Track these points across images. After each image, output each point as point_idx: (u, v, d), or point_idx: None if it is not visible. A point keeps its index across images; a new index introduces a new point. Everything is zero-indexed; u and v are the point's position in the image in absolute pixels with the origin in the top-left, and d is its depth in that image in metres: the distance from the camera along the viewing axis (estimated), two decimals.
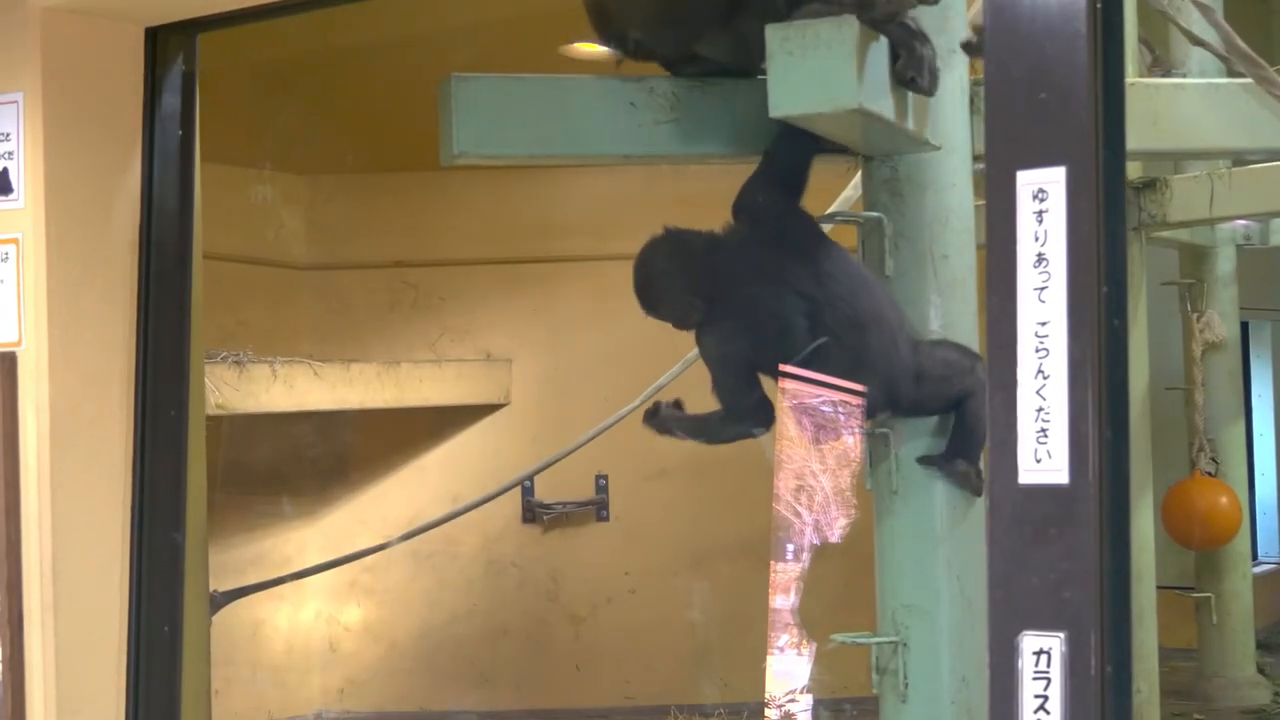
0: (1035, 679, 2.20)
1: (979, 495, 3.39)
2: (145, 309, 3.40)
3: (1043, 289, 2.25)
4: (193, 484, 3.53)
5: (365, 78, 6.84)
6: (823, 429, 3.32)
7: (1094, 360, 2.23)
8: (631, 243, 7.86)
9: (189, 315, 3.49)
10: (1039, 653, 2.21)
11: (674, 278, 3.56)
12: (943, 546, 3.42)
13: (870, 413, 3.39)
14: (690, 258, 3.52)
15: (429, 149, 3.47)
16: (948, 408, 3.45)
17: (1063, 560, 2.22)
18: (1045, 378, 2.23)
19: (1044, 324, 2.24)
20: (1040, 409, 2.24)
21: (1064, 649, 2.19)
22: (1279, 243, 8.58)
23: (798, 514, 3.30)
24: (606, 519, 8.52)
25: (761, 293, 3.39)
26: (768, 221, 3.41)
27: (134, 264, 3.41)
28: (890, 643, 3.43)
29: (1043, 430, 2.23)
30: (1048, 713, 2.19)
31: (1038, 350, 2.24)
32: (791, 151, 3.32)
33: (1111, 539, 2.24)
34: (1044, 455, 2.24)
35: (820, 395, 3.33)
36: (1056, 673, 2.19)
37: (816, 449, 3.31)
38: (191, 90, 3.48)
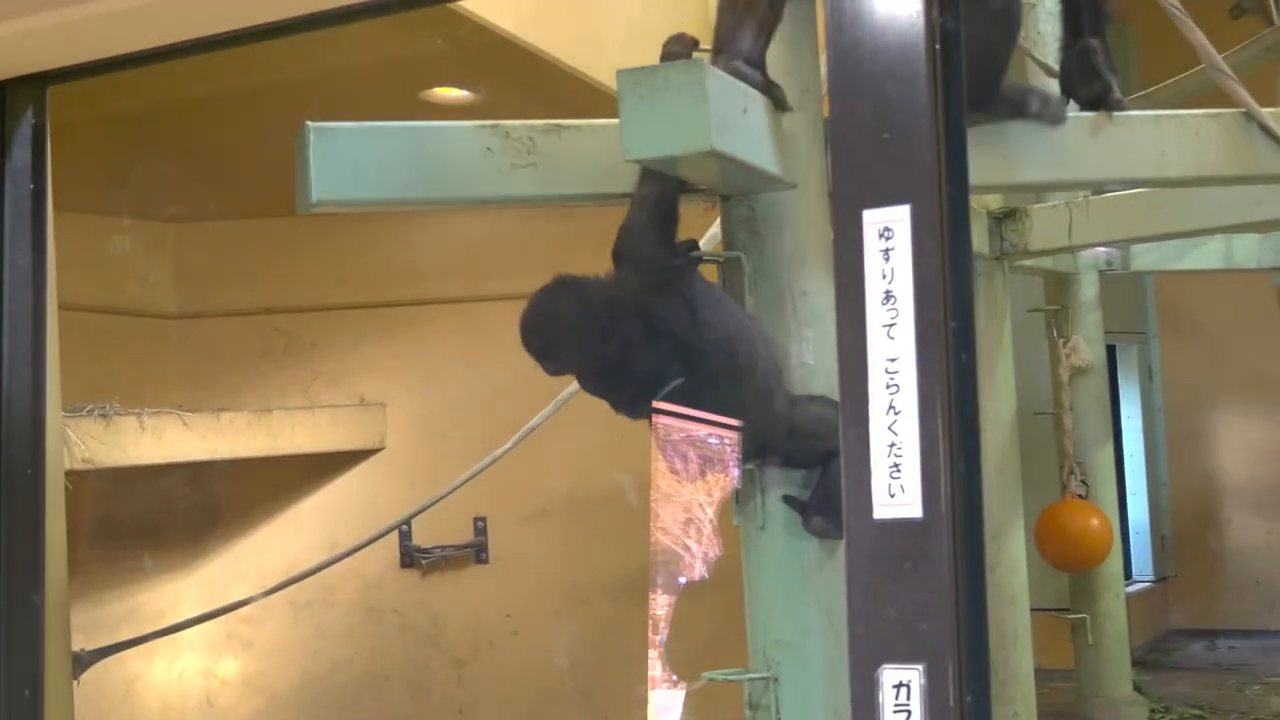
0: (896, 711, 2.22)
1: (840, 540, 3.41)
2: None
3: (891, 325, 2.28)
4: (52, 543, 3.47)
5: (227, 124, 6.78)
6: (709, 461, 3.33)
7: (943, 395, 2.26)
8: (502, 284, 7.89)
9: (44, 371, 3.44)
10: (899, 685, 2.22)
11: (576, 328, 3.52)
12: (812, 581, 3.44)
13: (742, 458, 3.41)
14: (591, 307, 3.49)
15: (293, 195, 3.46)
16: (817, 463, 3.47)
17: (919, 593, 2.24)
18: (896, 413, 2.26)
19: (894, 360, 2.27)
20: (892, 444, 2.26)
21: (923, 681, 2.21)
22: (1140, 267, 8.74)
23: (686, 548, 3.31)
24: (486, 561, 8.49)
25: (642, 341, 3.39)
26: (650, 266, 3.40)
27: None
28: (762, 678, 3.45)
29: (895, 465, 2.25)
30: None
31: (888, 386, 2.27)
32: (659, 192, 3.32)
33: (967, 570, 2.26)
34: (897, 490, 2.26)
35: (701, 430, 3.34)
36: (916, 705, 2.21)
37: (703, 482, 3.32)
38: (43, 143, 3.43)
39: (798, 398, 3.46)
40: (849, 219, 2.31)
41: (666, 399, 3.36)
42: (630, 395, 3.48)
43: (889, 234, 2.28)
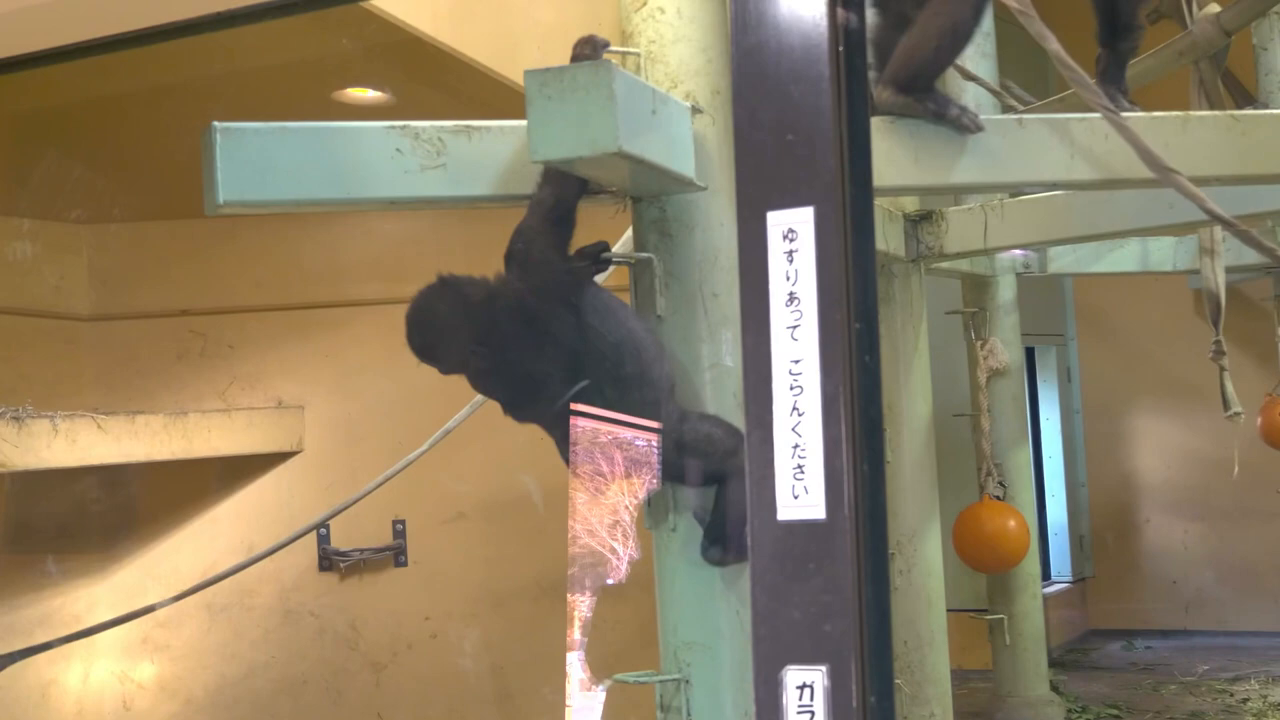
0: (800, 713, 2.22)
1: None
2: None
3: (795, 327, 2.28)
4: None
5: (136, 124, 6.72)
6: (635, 464, 3.33)
7: (847, 396, 2.26)
8: (418, 285, 7.84)
9: None
10: (802, 686, 2.22)
11: (455, 327, 3.53)
12: (722, 583, 3.45)
13: None
14: (470, 307, 3.50)
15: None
16: (703, 483, 3.47)
17: (823, 594, 2.25)
18: (800, 414, 2.26)
19: (797, 361, 2.26)
20: (796, 445, 2.26)
21: (826, 682, 2.21)
22: (1058, 270, 8.82)
23: (609, 549, 3.31)
24: (405, 564, 8.45)
25: (525, 344, 3.39)
26: (537, 269, 3.40)
27: None
28: (673, 680, 3.45)
29: (799, 467, 2.25)
30: None
31: (792, 388, 2.27)
32: (556, 196, 3.32)
33: (870, 571, 2.26)
34: (801, 491, 2.26)
35: (619, 431, 3.34)
36: (820, 705, 2.21)
37: (629, 484, 3.31)
38: None
39: (689, 413, 3.46)
40: (753, 221, 2.31)
41: (559, 406, 3.36)
42: (513, 397, 3.49)
43: (793, 236, 2.28)
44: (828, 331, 2.24)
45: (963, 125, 3.95)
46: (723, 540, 3.43)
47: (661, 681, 3.47)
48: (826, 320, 2.24)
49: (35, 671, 7.65)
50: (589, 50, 3.28)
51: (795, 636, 2.21)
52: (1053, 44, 3.51)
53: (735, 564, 3.42)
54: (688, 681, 3.44)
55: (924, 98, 3.90)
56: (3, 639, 5.47)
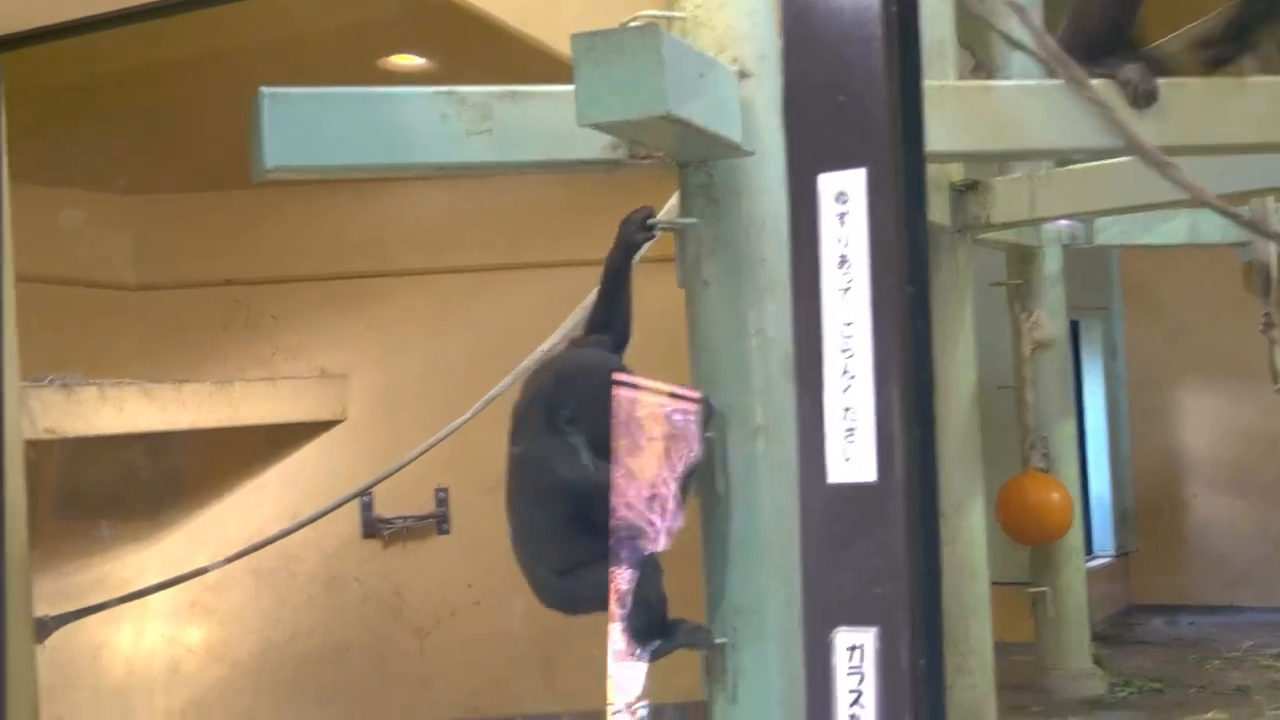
0: (849, 674, 2.22)
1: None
2: None
3: (847, 290, 2.27)
4: (12, 508, 3.46)
5: (184, 94, 6.74)
6: (673, 438, 3.33)
7: (899, 359, 2.25)
8: (462, 256, 7.86)
9: (0, 338, 3.42)
10: (852, 648, 2.22)
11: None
12: (769, 547, 3.44)
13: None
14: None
15: (249, 166, 3.43)
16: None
17: (873, 557, 2.24)
18: (851, 377, 2.25)
19: (849, 324, 2.26)
20: (847, 409, 2.26)
21: (876, 644, 2.21)
22: (1104, 242, 8.77)
23: (649, 522, 3.31)
24: (447, 532, 8.49)
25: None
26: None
27: None
28: (719, 645, 3.45)
29: (850, 430, 2.25)
30: (862, 707, 2.21)
31: (843, 351, 2.26)
32: None
33: (922, 535, 2.26)
34: (852, 454, 2.26)
35: (665, 405, 3.34)
36: (870, 668, 2.21)
37: (668, 458, 3.31)
38: None
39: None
40: (804, 183, 2.30)
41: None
42: None
43: (844, 198, 2.27)
44: (880, 294, 2.23)
45: (1139, 90, 3.86)
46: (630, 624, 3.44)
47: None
48: (879, 283, 2.23)
49: (87, 634, 7.72)
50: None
51: (845, 599, 2.20)
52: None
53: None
54: (734, 646, 3.44)
55: (1106, 60, 3.81)
56: (53, 603, 5.51)
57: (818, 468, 2.24)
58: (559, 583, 3.65)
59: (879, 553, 2.21)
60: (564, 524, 3.54)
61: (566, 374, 3.52)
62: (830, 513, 2.23)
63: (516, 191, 8.12)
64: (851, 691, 2.19)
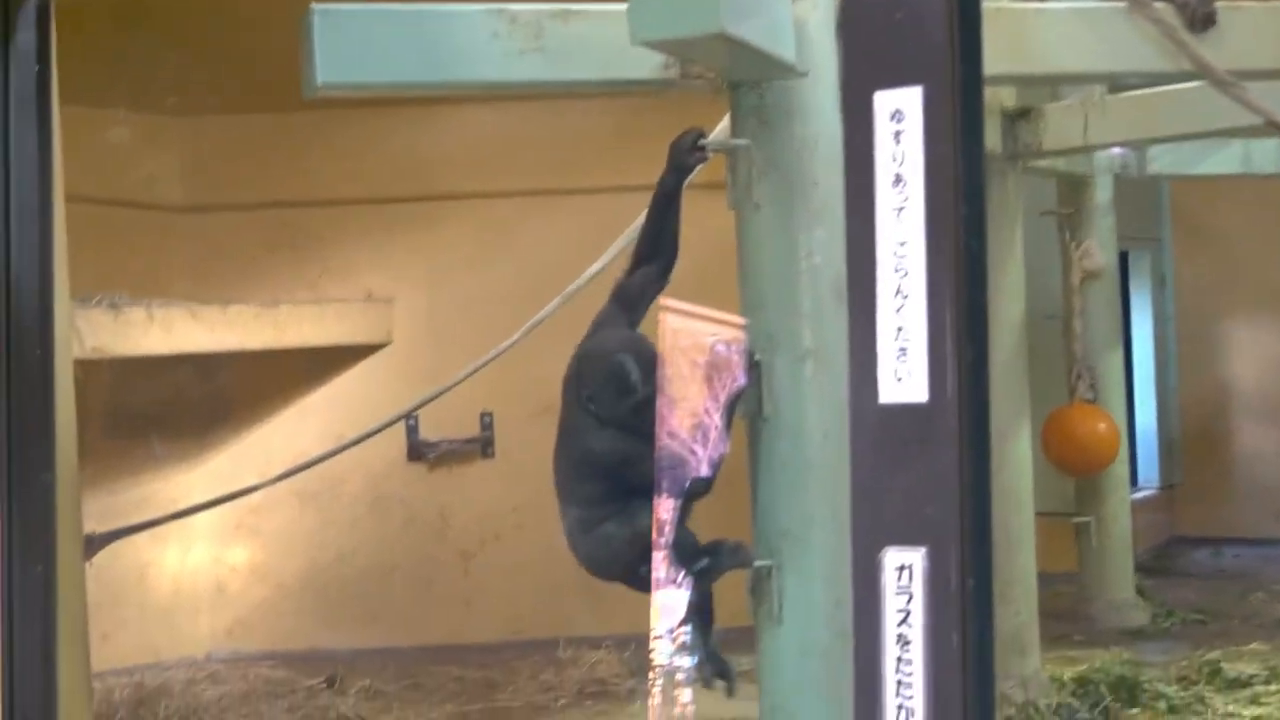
0: (898, 594, 2.22)
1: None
2: (6, 251, 3.33)
3: (901, 209, 2.26)
4: (62, 425, 3.48)
5: (233, 13, 6.73)
6: (716, 367, 3.33)
7: (952, 280, 2.24)
8: (510, 181, 7.82)
9: (51, 255, 3.43)
10: (901, 568, 2.22)
11: None
12: (816, 470, 3.44)
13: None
14: None
15: (299, 88, 3.43)
16: None
17: (924, 477, 2.24)
18: (904, 298, 2.24)
19: (903, 244, 2.25)
20: (900, 329, 2.25)
21: (925, 564, 2.21)
22: (1156, 171, 8.70)
23: (692, 451, 3.31)
24: (492, 456, 8.53)
25: None
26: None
27: None
28: (764, 567, 3.45)
29: (902, 350, 2.24)
30: (910, 625, 2.21)
31: (897, 270, 2.25)
32: None
33: (972, 455, 2.25)
34: (904, 374, 2.25)
35: (709, 333, 3.33)
36: (918, 587, 2.21)
37: (710, 387, 3.31)
38: (47, 25, 3.39)
39: None
40: (859, 102, 2.28)
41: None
42: None
43: (900, 116, 2.25)
44: (934, 214, 2.22)
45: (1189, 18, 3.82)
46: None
47: (753, 567, 3.48)
48: (934, 202, 2.21)
49: (134, 553, 7.79)
50: None
51: (895, 518, 2.20)
52: None
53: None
54: (779, 568, 3.44)
55: None
56: (101, 520, 5.54)
57: (869, 388, 2.23)
58: (585, 544, 3.86)
59: (929, 473, 2.20)
60: (590, 487, 3.82)
61: (584, 356, 3.79)
62: (881, 433, 2.23)
63: (565, 116, 8.08)
64: (900, 611, 2.20)
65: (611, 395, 3.62)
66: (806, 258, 3.49)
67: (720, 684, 3.64)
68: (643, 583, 3.49)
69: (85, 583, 4.29)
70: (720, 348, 3.33)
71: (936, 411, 2.19)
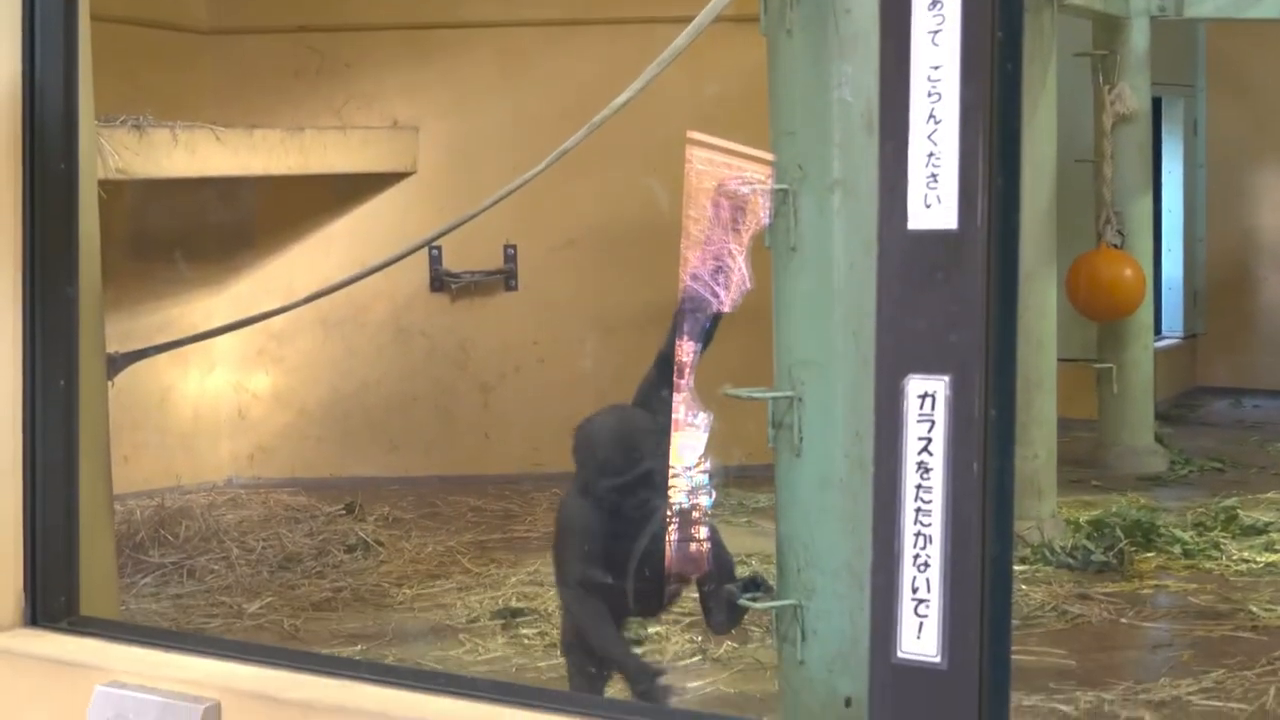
0: (919, 421, 2.21)
1: None
2: (30, 66, 3.30)
3: (937, 31, 2.22)
4: (85, 239, 3.47)
5: None
6: (739, 209, 3.32)
7: (986, 105, 2.20)
8: (539, 9, 7.74)
9: (75, 69, 3.39)
10: (924, 395, 2.21)
11: None
12: (839, 302, 3.43)
13: None
14: None
15: None
16: None
17: (950, 304, 2.22)
18: (937, 122, 2.21)
19: (937, 68, 2.21)
20: (931, 154, 2.22)
21: (948, 392, 2.19)
22: (1194, 14, 8.56)
23: (714, 293, 3.31)
24: (515, 289, 8.52)
25: None
26: None
27: (16, 18, 3.30)
28: (786, 397, 3.46)
29: (933, 175, 2.21)
30: (930, 454, 2.21)
31: (930, 94, 2.22)
32: None
33: (1000, 283, 2.23)
34: (934, 200, 2.22)
35: (732, 171, 3.31)
36: (940, 415, 2.20)
37: (734, 230, 3.31)
38: None
39: None
40: None
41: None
42: None
43: None
44: (970, 37, 2.17)
45: None
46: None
47: (774, 398, 3.48)
48: (970, 25, 2.17)
49: (155, 376, 7.83)
50: None
51: (919, 345, 2.19)
52: None
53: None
54: (800, 399, 3.45)
55: None
56: (123, 342, 5.57)
57: (898, 214, 2.21)
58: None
59: (955, 300, 2.18)
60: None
61: (580, 431, 4.30)
62: (908, 259, 2.21)
63: None
64: (921, 439, 2.19)
65: (594, 475, 4.05)
66: (838, 87, 3.45)
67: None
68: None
69: (108, 402, 4.30)
70: (745, 189, 3.31)
71: (965, 238, 2.17)
